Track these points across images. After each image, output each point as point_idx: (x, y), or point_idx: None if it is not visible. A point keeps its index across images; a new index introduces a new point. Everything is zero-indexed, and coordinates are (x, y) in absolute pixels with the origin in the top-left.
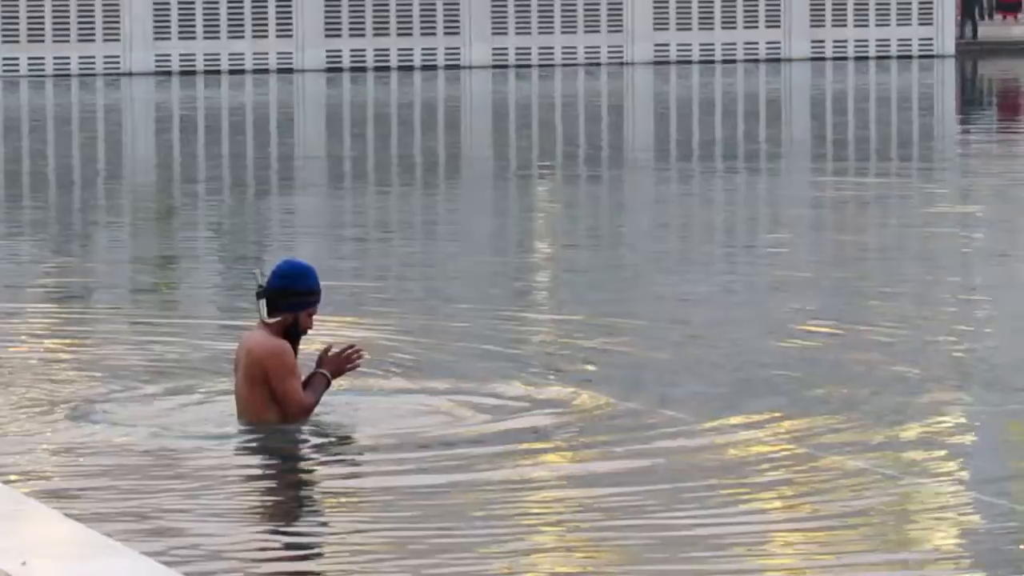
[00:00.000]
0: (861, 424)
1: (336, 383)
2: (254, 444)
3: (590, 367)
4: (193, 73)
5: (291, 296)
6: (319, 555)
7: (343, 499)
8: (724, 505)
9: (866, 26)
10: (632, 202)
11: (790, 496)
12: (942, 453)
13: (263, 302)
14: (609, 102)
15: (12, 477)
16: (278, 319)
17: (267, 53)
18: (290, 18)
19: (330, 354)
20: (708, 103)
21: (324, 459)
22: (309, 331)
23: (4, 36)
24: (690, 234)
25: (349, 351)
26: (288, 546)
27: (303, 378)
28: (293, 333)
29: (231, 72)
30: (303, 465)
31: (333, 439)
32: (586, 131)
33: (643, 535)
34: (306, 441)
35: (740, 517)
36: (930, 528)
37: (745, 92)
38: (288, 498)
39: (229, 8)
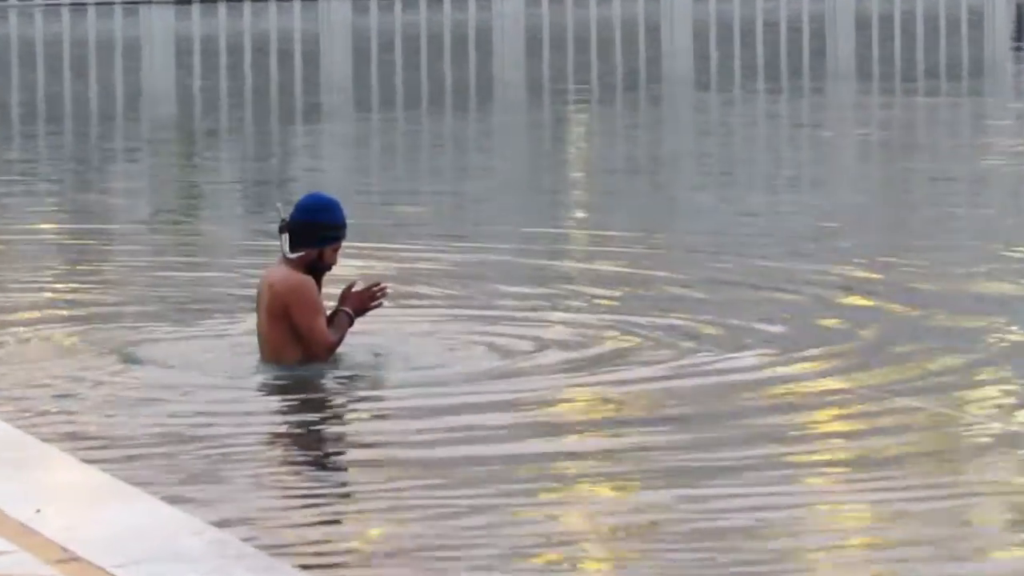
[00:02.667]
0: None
1: (359, 322)
2: (276, 385)
3: (631, 301)
4: (215, 0)
5: (315, 230)
6: (340, 504)
7: (366, 447)
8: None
9: None
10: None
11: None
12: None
13: (285, 236)
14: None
15: (26, 421)
16: (301, 254)
17: None
18: None
19: (354, 290)
20: (762, 24)
21: (346, 402)
22: (333, 267)
23: None
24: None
25: (373, 287)
26: (308, 495)
27: (327, 315)
28: (317, 269)
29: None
30: (326, 409)
31: (356, 381)
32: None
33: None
34: (329, 383)
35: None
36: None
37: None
38: (310, 444)
39: None
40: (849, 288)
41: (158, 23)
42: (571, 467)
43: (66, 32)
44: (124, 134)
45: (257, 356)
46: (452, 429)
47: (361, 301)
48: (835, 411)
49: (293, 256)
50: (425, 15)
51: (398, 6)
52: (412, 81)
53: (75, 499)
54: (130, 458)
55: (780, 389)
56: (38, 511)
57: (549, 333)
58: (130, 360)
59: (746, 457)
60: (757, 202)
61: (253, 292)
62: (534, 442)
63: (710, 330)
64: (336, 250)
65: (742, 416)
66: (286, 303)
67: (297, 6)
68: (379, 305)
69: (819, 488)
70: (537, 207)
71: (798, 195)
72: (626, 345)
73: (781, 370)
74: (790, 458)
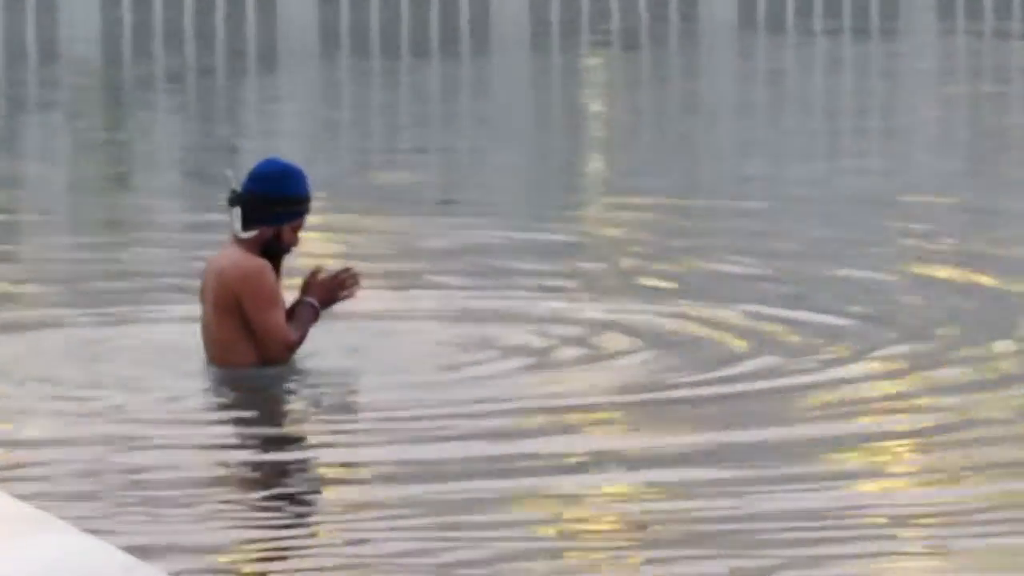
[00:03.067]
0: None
1: (326, 315)
2: (223, 393)
3: (662, 283)
4: None
5: (272, 204)
6: (288, 540)
7: (326, 477)
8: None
9: None
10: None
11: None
12: None
13: (236, 211)
14: None
15: None
16: (255, 233)
17: None
18: None
19: (319, 277)
20: None
21: (307, 416)
22: (294, 249)
23: None
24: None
25: (342, 273)
26: (253, 529)
27: (286, 307)
28: (274, 251)
29: None
30: (282, 424)
31: (321, 387)
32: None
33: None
34: (287, 392)
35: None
36: None
37: None
38: (261, 468)
39: None
40: (927, 267)
41: None
42: (585, 505)
43: None
44: (38, 82)
45: (201, 357)
46: (432, 457)
47: (328, 290)
48: (907, 416)
49: (246, 236)
50: None
51: None
52: (390, 20)
53: None
54: (45, 484)
55: (842, 393)
56: None
57: (561, 327)
58: (43, 361)
59: (797, 470)
60: (818, 165)
61: (196, 279)
62: (538, 477)
63: (762, 323)
64: (297, 228)
65: (796, 421)
66: (237, 293)
67: None
68: (350, 295)
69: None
70: (548, 171)
71: (863, 157)
72: (659, 338)
73: (845, 370)
74: (849, 466)
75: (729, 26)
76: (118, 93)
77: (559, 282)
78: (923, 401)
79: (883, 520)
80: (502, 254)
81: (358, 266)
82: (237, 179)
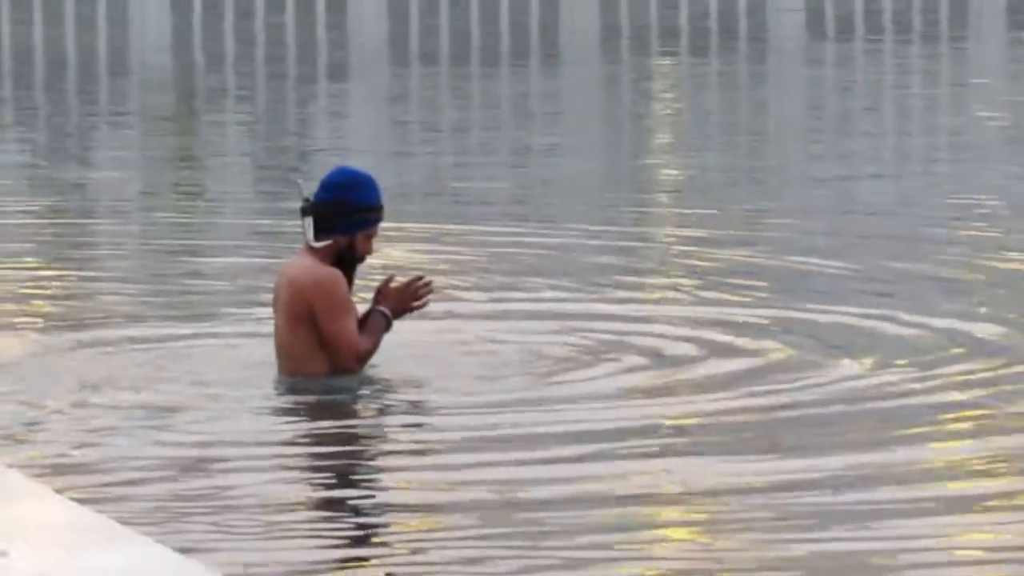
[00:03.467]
0: None
1: (399, 324)
2: (295, 405)
3: (723, 294)
4: None
5: (344, 213)
6: (359, 551)
7: (399, 487)
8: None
9: None
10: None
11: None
12: None
13: (309, 220)
14: None
15: None
16: (328, 242)
17: None
18: None
19: (391, 286)
20: None
21: (379, 429)
22: (368, 258)
23: None
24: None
25: (416, 283)
26: (324, 542)
27: (359, 316)
28: (347, 260)
29: None
30: (354, 440)
31: (394, 398)
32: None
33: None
34: (359, 403)
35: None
36: None
37: None
38: (333, 480)
39: None
40: (1004, 281)
41: None
42: (652, 517)
43: None
44: (110, 93)
45: (274, 367)
46: (504, 471)
47: (401, 299)
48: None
49: (318, 245)
50: None
51: None
52: (460, 30)
53: (49, 539)
54: (116, 492)
55: (918, 415)
56: (3, 553)
57: (637, 339)
58: (118, 371)
59: (870, 498)
60: (891, 179)
61: (269, 288)
62: (605, 484)
63: (826, 335)
64: (370, 236)
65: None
66: (309, 302)
67: None
68: (423, 305)
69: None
70: (622, 180)
71: (934, 171)
72: (735, 351)
73: (921, 387)
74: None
75: (797, 35)
76: (190, 102)
77: (625, 286)
78: None
79: None
80: (580, 259)
81: (432, 273)
82: (309, 188)
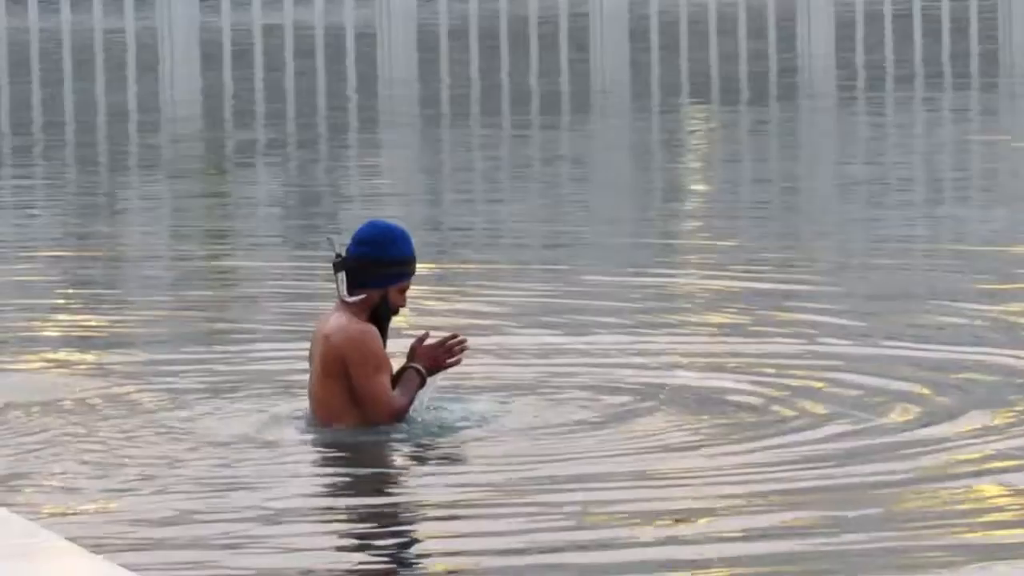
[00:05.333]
0: None
1: (433, 381)
2: (330, 456)
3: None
4: None
5: (377, 267)
6: None
7: (434, 550)
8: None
9: None
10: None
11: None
12: None
13: (342, 275)
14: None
15: (25, 499)
16: (361, 297)
17: None
18: None
19: (426, 343)
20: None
21: (416, 484)
22: (400, 311)
23: None
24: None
25: (450, 340)
26: None
27: (393, 373)
28: (381, 315)
29: None
30: (389, 492)
31: (428, 455)
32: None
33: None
34: (395, 455)
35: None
36: None
37: None
38: (368, 535)
39: None
40: None
41: (179, 15)
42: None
43: (66, 26)
44: (139, 147)
45: (306, 419)
46: (542, 539)
47: (435, 357)
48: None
49: (352, 300)
50: (505, 3)
51: None
52: (490, 81)
53: None
54: (149, 546)
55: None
56: None
57: (672, 391)
58: (149, 424)
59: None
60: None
61: (305, 342)
62: (644, 548)
63: (855, 392)
64: (403, 290)
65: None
66: (343, 357)
67: None
68: (457, 362)
69: None
70: (660, 234)
71: (970, 211)
72: (787, 405)
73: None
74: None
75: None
76: (220, 155)
77: (663, 343)
78: None
79: None
80: (602, 315)
81: (466, 330)
82: (341, 243)
